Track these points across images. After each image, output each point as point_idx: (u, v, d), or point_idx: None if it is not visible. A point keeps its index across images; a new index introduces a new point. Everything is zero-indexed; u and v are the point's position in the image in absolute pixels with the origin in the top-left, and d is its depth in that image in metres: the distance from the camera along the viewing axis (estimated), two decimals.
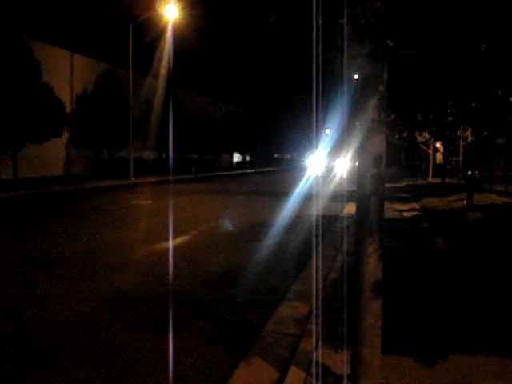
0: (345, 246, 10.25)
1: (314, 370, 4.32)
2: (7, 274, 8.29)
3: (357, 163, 3.75)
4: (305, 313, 5.95)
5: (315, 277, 7.72)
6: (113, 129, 37.78)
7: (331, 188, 27.22)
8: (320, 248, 10.20)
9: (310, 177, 40.46)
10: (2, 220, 15.56)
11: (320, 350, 4.73)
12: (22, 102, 27.48)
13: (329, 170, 46.87)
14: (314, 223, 13.77)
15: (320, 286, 7.19)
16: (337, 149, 46.21)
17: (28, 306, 6.49)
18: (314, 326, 5.41)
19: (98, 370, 4.65)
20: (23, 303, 6.63)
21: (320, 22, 3.71)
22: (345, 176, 38.74)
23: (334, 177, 38.74)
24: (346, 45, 3.62)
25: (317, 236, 11.64)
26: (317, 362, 4.47)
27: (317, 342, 4.95)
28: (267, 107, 66.71)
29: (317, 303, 6.25)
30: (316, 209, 17.20)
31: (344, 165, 44.63)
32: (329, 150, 50.62)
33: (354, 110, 3.71)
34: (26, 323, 5.86)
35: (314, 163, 49.18)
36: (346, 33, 3.61)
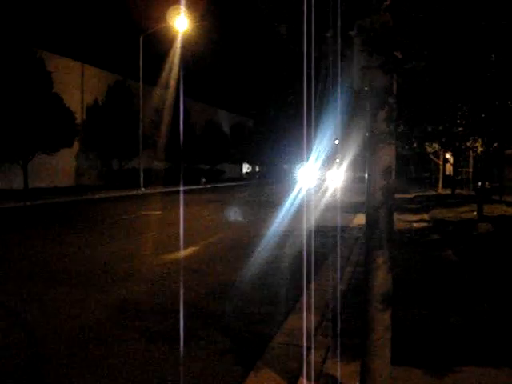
0: (354, 257, 10.23)
1: (322, 382, 4.30)
2: (18, 283, 8.32)
3: (366, 175, 3.75)
4: (314, 324, 5.93)
5: (325, 288, 7.71)
6: (123, 139, 37.98)
7: (326, 201, 26.99)
8: (329, 259, 10.18)
9: (305, 189, 39.57)
10: (12, 230, 15.65)
11: (329, 362, 4.71)
12: (33, 112, 27.72)
13: (321, 183, 45.12)
14: (314, 235, 13.75)
15: (329, 297, 7.18)
16: (330, 160, 45.39)
17: (38, 316, 6.51)
18: (323, 337, 5.40)
19: (108, 380, 4.66)
20: (33, 312, 6.66)
21: (329, 34, 3.74)
22: (339, 188, 38.35)
23: (326, 190, 37.56)
24: (355, 57, 3.63)
25: (325, 247, 11.62)
26: (326, 374, 4.45)
27: (326, 353, 4.94)
28: (276, 118, 66.75)
29: (326, 314, 6.24)
30: (321, 221, 17.17)
31: (338, 176, 43.93)
32: (321, 161, 47.90)
33: (362, 122, 3.72)
34: (36, 333, 5.88)
35: (305, 175, 47.02)
36: (355, 45, 3.63)
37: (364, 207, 3.85)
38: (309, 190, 37.78)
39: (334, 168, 48.50)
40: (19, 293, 7.71)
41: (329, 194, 33.58)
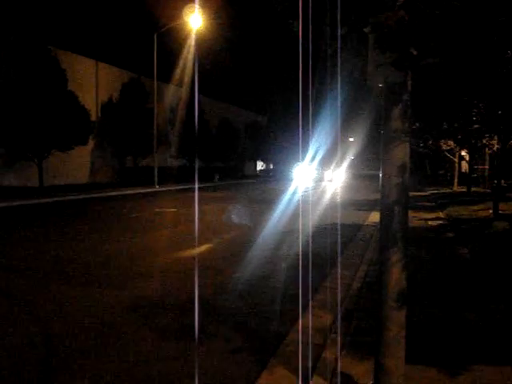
0: (368, 254, 10.20)
1: (336, 380, 4.29)
2: (34, 280, 8.39)
3: (380, 173, 3.73)
4: (328, 322, 5.92)
5: (338, 286, 7.70)
6: (137, 137, 38.12)
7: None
8: (343, 257, 10.15)
9: (313, 187, 38.01)
10: (29, 227, 15.77)
11: (343, 360, 4.70)
12: (48, 110, 27.88)
13: (318, 184, 41.86)
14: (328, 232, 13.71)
15: (343, 295, 7.16)
16: (328, 159, 42.68)
17: (54, 312, 6.56)
18: (337, 335, 5.38)
19: (123, 377, 4.69)
20: (48, 308, 6.71)
21: (344, 31, 3.72)
22: (339, 190, 34.57)
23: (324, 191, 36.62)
24: (369, 54, 3.61)
25: (340, 245, 11.59)
26: (340, 372, 4.44)
27: (340, 351, 4.92)
28: (290, 116, 66.52)
29: (340, 312, 6.22)
30: (336, 218, 17.11)
31: (337, 177, 42.84)
32: (318, 160, 44.03)
33: (377, 119, 3.70)
34: (51, 329, 5.93)
35: (302, 175, 44.14)
36: (369, 42, 3.61)
37: (377, 205, 3.84)
38: (317, 188, 37.26)
39: (333, 168, 46.49)
40: (35, 289, 7.77)
41: (340, 191, 33.47)
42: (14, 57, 28.65)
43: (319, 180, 46.50)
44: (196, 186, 38.39)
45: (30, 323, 6.23)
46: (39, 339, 5.66)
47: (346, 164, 43.45)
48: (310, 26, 3.82)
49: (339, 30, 3.75)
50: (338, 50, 3.86)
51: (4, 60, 28.74)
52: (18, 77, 28.15)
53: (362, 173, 64.52)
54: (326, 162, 44.08)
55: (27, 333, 5.84)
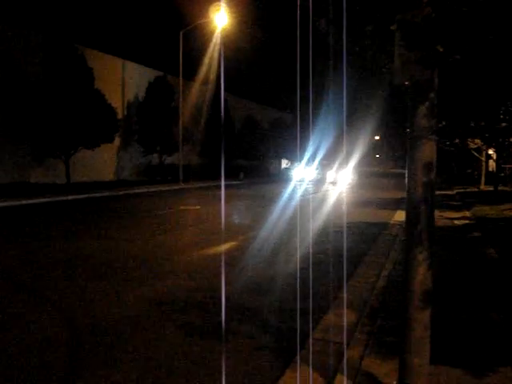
0: (394, 254, 10.13)
1: (360, 379, 4.28)
2: (60, 275, 8.51)
3: (406, 172, 3.70)
4: (352, 321, 5.90)
5: (363, 285, 7.67)
6: (163, 135, 38.37)
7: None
8: (368, 256, 10.11)
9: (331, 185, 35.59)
10: (56, 223, 15.99)
11: (367, 359, 4.68)
12: (75, 108, 28.20)
13: (318, 185, 36.02)
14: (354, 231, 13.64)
15: (368, 293, 7.13)
16: (331, 158, 38.92)
17: (79, 308, 6.65)
18: (362, 334, 5.36)
19: (147, 372, 4.73)
20: (75, 304, 6.80)
21: (370, 28, 3.70)
22: (345, 194, 30.08)
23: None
24: (395, 51, 3.59)
25: (365, 243, 11.53)
26: (364, 371, 4.42)
27: (364, 350, 4.90)
28: (315, 113, 66.22)
29: (364, 311, 6.20)
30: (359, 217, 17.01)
31: (343, 178, 37.66)
32: (320, 159, 38.65)
33: (404, 117, 3.68)
34: (77, 324, 6.01)
35: (301, 174, 40.35)
36: (396, 39, 3.58)
37: (402, 203, 3.81)
38: (335, 184, 36.25)
39: (336, 168, 40.02)
40: (62, 285, 7.88)
41: (362, 189, 33.20)
42: (42, 56, 29.08)
43: (318, 182, 39.12)
44: (222, 183, 38.45)
45: (56, 317, 6.32)
46: (66, 333, 5.75)
47: (353, 162, 37.66)
48: (336, 24, 3.80)
49: (365, 28, 3.73)
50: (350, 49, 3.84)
51: (33, 59, 29.18)
52: (46, 75, 28.56)
53: (379, 171, 62.56)
54: (329, 160, 40.07)
55: (54, 326, 5.93)
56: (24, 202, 23.36)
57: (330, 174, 40.33)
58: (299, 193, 29.25)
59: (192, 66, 40.11)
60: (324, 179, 40.08)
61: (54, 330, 5.80)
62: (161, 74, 41.13)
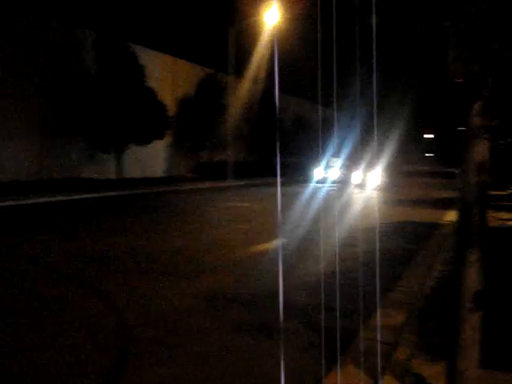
0: (444, 254, 9.95)
1: (408, 381, 4.23)
2: (110, 271, 8.70)
3: (458, 172, 3.63)
4: (401, 321, 5.83)
5: (412, 285, 7.56)
6: (212, 132, 38.73)
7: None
8: (419, 255, 9.96)
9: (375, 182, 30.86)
10: (107, 218, 16.34)
11: (414, 361, 4.62)
12: (127, 105, 28.73)
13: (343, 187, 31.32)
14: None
15: (417, 294, 7.03)
16: (356, 157, 32.63)
17: (128, 302, 6.79)
18: (410, 335, 5.29)
19: (192, 366, 4.79)
20: (124, 299, 6.94)
21: (423, 25, 3.64)
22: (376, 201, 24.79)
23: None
24: (449, 48, 3.52)
25: (415, 244, 11.36)
26: (411, 372, 4.37)
27: (412, 351, 4.84)
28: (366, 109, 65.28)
29: (413, 312, 6.11)
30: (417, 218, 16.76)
31: (372, 179, 31.61)
32: (343, 157, 33.30)
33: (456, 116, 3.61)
34: (126, 319, 6.13)
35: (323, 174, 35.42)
36: (449, 36, 3.52)
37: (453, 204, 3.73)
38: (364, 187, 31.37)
39: (362, 168, 32.79)
40: (111, 280, 8.06)
41: (407, 189, 32.55)
42: (95, 53, 29.73)
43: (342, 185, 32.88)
44: (267, 180, 38.51)
45: (105, 311, 6.47)
46: (114, 327, 5.88)
47: (385, 161, 32.61)
48: (387, 21, 3.76)
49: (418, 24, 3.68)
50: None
51: (86, 57, 29.88)
52: (98, 73, 29.19)
53: (427, 170, 59.43)
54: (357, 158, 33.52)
55: (103, 320, 6.07)
56: (77, 196, 23.98)
57: (357, 175, 33.40)
58: (337, 192, 28.40)
59: (243, 64, 40.27)
60: (349, 180, 33.30)
61: (103, 324, 5.94)
62: (211, 71, 41.43)
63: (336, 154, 32.38)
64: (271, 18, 33.29)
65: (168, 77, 40.14)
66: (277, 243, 11.44)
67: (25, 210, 19.29)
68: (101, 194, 25.34)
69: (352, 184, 31.99)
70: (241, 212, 18.21)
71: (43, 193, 24.20)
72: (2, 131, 26.84)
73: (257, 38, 38.28)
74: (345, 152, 30.58)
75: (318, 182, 33.57)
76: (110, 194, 25.81)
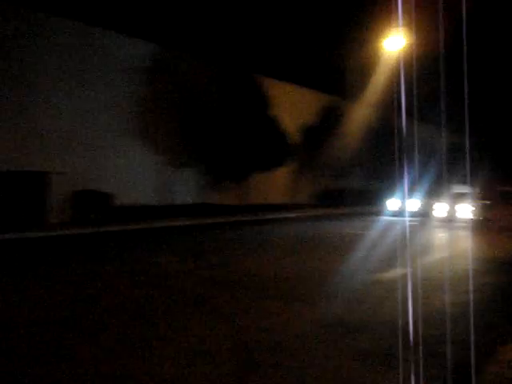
0: None
1: None
2: (230, 292, 8.95)
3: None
4: None
5: None
6: (332, 160, 38.75)
7: None
8: None
9: None
10: (227, 242, 16.83)
11: None
12: (250, 134, 29.61)
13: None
14: None
15: None
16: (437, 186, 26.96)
17: (250, 323, 6.94)
18: None
19: None
20: (245, 319, 7.11)
21: None
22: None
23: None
24: None
25: None
26: None
27: None
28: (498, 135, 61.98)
29: None
30: None
31: (463, 212, 24.76)
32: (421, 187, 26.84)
33: None
34: (245, 340, 6.28)
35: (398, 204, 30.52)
36: None
37: None
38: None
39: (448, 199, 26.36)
40: (232, 300, 8.30)
41: None
42: (219, 84, 31.02)
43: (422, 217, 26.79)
44: (406, 209, 36.72)
45: (226, 330, 6.67)
46: (235, 347, 6.04)
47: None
48: None
49: None
50: None
51: (210, 87, 31.20)
52: (222, 103, 30.38)
53: None
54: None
55: (223, 339, 6.27)
56: (202, 221, 25.09)
57: (439, 206, 26.61)
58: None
59: (363, 90, 40.04)
60: (430, 212, 27.00)
61: (223, 345, 6.12)
62: (333, 98, 41.58)
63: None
64: (393, 44, 32.89)
65: (290, 105, 40.77)
66: (400, 272, 11.19)
67: (155, 232, 20.38)
68: (224, 220, 26.26)
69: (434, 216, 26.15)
70: (359, 239, 17.99)
71: (172, 217, 25.63)
72: (131, 158, 28.71)
73: (377, 65, 37.95)
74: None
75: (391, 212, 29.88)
76: (232, 219, 26.67)
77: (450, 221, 24.51)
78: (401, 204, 30.02)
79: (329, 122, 39.46)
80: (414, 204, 29.43)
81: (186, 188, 31.42)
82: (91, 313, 7.59)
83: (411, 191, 27.47)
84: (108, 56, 27.95)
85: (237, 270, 11.22)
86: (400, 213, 28.95)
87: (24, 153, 24.14)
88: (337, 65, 40.58)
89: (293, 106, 41.18)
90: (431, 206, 27.03)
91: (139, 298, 8.58)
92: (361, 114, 42.25)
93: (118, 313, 7.61)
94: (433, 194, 27.82)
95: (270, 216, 28.99)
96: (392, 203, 30.89)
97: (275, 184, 38.80)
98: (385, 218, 27.38)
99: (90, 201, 25.14)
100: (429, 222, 25.23)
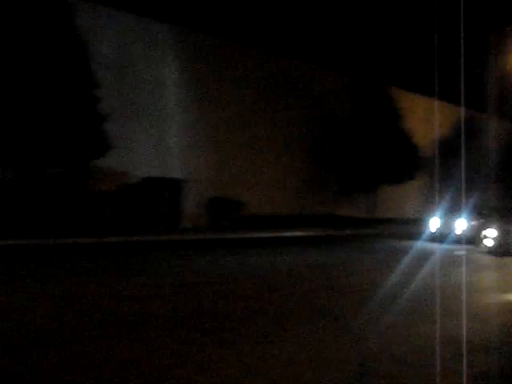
0: None
1: None
2: (353, 302, 9.18)
3: None
4: None
5: None
6: (466, 174, 37.40)
7: None
8: None
9: None
10: (352, 255, 16.97)
11: None
12: (381, 146, 29.49)
13: None
14: None
15: None
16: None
17: (368, 336, 7.17)
18: None
19: None
20: (366, 331, 7.34)
21: None
22: None
23: None
24: None
25: None
26: None
27: None
28: None
29: None
30: None
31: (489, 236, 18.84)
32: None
33: None
34: (362, 350, 6.52)
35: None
36: None
37: None
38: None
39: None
40: (355, 313, 8.54)
41: None
42: (351, 96, 31.25)
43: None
44: None
45: (347, 342, 6.95)
46: (357, 357, 6.30)
47: None
48: None
49: None
50: None
51: (342, 99, 31.49)
52: (354, 115, 30.54)
53: None
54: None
55: (345, 351, 6.55)
56: (329, 232, 25.52)
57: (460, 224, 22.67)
58: None
59: (503, 103, 38.29)
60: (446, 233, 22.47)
61: (345, 354, 6.41)
62: (469, 111, 40.15)
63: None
64: None
65: (423, 117, 39.95)
66: None
67: (286, 241, 21.03)
68: (351, 232, 26.44)
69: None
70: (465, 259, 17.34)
71: (301, 227, 26.30)
72: (263, 169, 29.75)
73: None
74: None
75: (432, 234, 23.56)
76: (359, 231, 26.78)
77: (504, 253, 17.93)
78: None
79: (467, 136, 38.11)
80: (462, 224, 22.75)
81: (312, 199, 31.92)
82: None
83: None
84: (239, 70, 29.30)
85: (358, 281, 11.38)
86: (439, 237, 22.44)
87: (163, 160, 26.03)
88: (476, 77, 39.14)
89: (426, 119, 40.31)
90: (481, 230, 20.17)
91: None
92: (500, 128, 40.44)
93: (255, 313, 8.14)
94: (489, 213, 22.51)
95: (398, 230, 28.62)
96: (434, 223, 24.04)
97: (406, 197, 38.16)
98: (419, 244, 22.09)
99: (223, 208, 26.48)
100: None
